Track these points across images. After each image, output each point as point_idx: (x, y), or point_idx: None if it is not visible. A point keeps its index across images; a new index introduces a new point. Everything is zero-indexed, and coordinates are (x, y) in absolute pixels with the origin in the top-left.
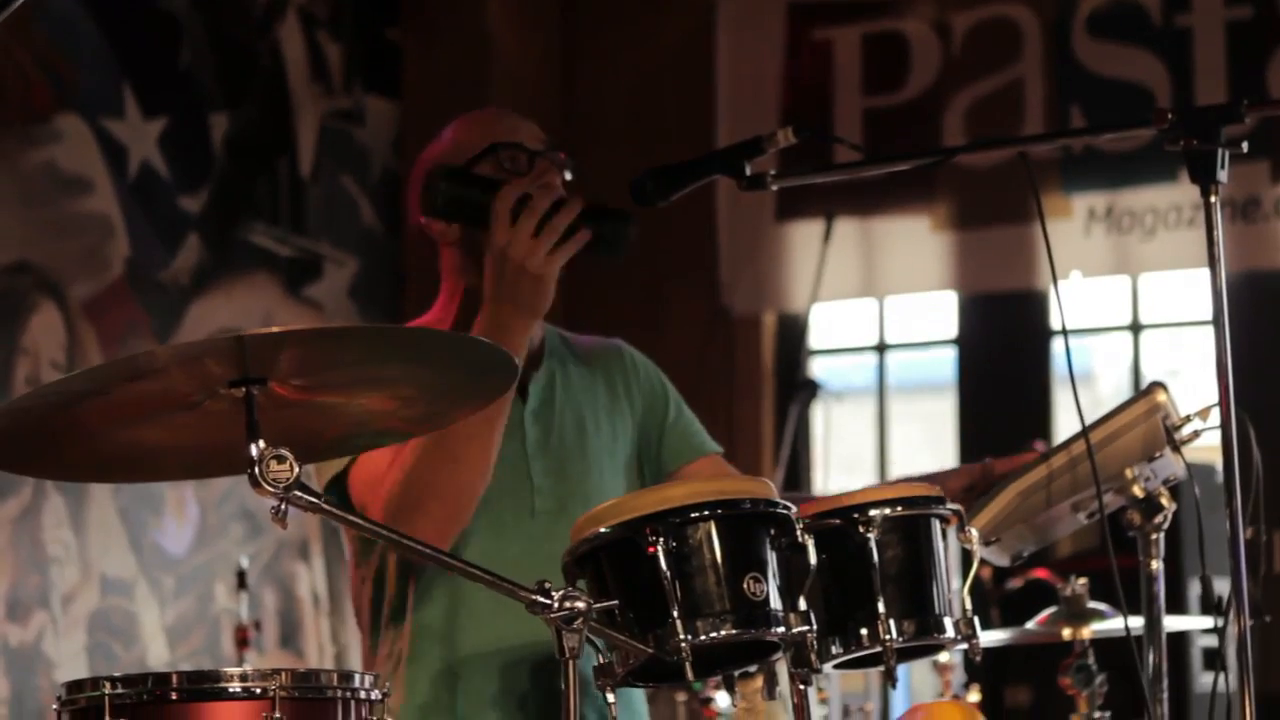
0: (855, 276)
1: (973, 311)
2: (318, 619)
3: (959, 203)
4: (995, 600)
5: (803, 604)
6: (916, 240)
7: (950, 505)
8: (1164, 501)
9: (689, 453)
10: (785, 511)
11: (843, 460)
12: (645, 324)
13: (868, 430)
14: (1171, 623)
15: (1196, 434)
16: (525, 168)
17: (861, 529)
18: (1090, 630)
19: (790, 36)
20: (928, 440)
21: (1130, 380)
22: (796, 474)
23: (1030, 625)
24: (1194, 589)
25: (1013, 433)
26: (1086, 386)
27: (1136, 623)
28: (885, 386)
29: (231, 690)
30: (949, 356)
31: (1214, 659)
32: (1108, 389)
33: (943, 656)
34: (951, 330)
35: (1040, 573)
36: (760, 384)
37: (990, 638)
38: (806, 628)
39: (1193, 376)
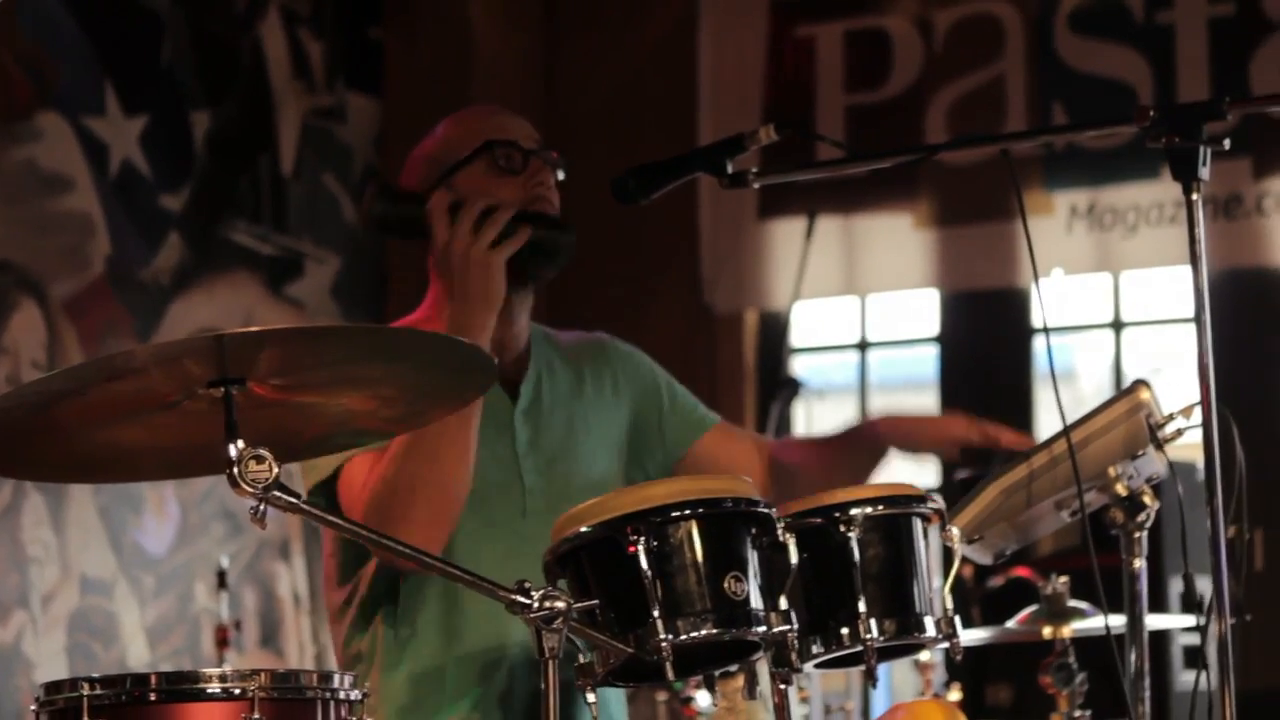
0: (837, 274)
1: (955, 309)
2: (298, 618)
3: (941, 200)
4: (977, 599)
5: (784, 603)
6: (898, 238)
7: (931, 504)
8: (1146, 500)
9: (692, 432)
10: (766, 510)
11: None
12: (627, 322)
13: None
14: (1153, 621)
15: (1179, 432)
16: (519, 166)
17: (842, 528)
18: (1071, 629)
19: (773, 33)
20: None
21: (1112, 378)
22: None
23: (1011, 624)
24: (1176, 587)
25: None
26: (1068, 384)
27: (1118, 621)
28: (867, 384)
29: (210, 691)
30: (931, 354)
31: (1195, 658)
32: (1090, 387)
33: (924, 655)
34: (934, 328)
35: (1022, 571)
36: (742, 382)
37: (971, 636)
38: (787, 627)
39: (1175, 374)
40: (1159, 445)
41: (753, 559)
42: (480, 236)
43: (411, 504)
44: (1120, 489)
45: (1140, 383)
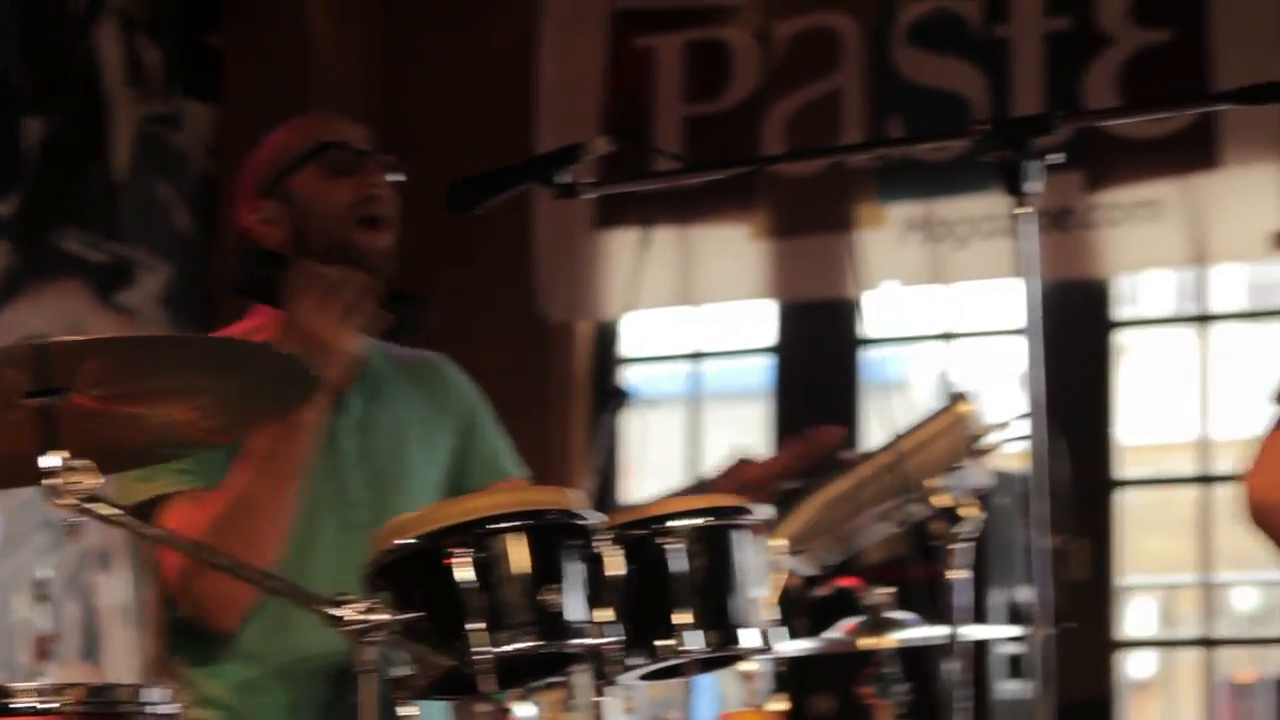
0: (673, 284)
1: (791, 320)
2: (120, 631)
3: (777, 211)
4: (803, 608)
5: (605, 615)
6: (735, 248)
7: (755, 515)
8: (967, 511)
9: (490, 476)
10: (588, 522)
11: (655, 468)
12: (458, 330)
13: (681, 438)
14: (973, 631)
15: (1001, 444)
16: (353, 168)
17: (664, 539)
18: (894, 639)
19: (613, 44)
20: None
21: (942, 390)
22: (609, 483)
23: (833, 634)
24: (998, 597)
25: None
26: (900, 396)
27: (943, 631)
28: (701, 394)
29: (17, 706)
30: (766, 365)
31: (1016, 667)
32: (921, 398)
33: (748, 665)
34: (770, 338)
35: (849, 581)
36: (574, 392)
37: (794, 647)
38: (608, 639)
39: (1004, 386)
40: (980, 457)
41: (575, 571)
42: (324, 315)
43: (221, 580)
44: (941, 500)
45: (961, 396)
